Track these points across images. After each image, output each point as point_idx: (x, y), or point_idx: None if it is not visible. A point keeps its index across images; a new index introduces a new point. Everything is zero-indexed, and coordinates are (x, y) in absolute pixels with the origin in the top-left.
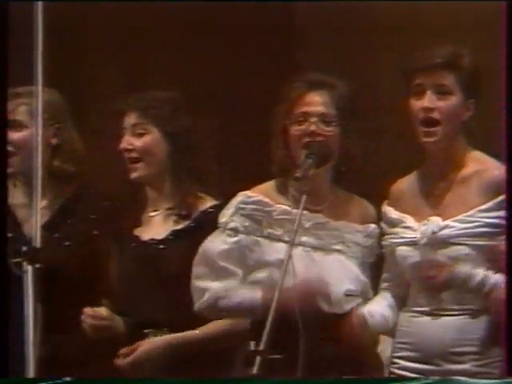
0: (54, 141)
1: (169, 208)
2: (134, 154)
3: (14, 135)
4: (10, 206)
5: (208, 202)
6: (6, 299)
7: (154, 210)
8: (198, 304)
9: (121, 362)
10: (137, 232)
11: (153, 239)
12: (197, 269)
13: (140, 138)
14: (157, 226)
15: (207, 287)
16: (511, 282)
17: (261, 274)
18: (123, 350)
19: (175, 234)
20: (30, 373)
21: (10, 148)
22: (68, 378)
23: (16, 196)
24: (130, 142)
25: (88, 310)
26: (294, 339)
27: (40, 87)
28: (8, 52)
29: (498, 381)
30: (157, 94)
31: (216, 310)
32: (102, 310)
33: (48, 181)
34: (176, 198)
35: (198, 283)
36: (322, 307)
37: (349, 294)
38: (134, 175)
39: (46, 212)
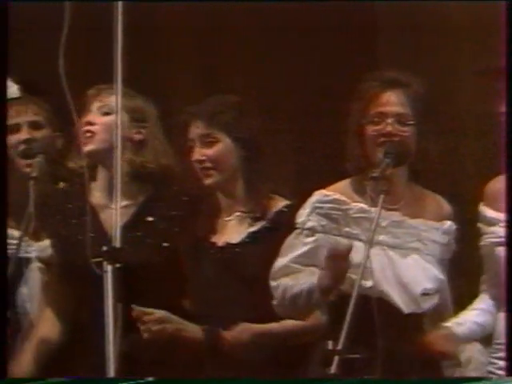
0: (137, 138)
1: (242, 211)
2: (206, 164)
3: (101, 119)
4: (91, 205)
5: (280, 202)
6: (6, 299)
7: (228, 215)
8: (274, 303)
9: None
10: (213, 238)
11: (228, 243)
12: (275, 269)
13: (211, 148)
14: (231, 231)
15: (281, 284)
16: (511, 282)
17: None
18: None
19: (251, 235)
20: (111, 372)
21: (91, 131)
22: (150, 378)
23: (99, 195)
24: (201, 152)
25: (141, 312)
26: (372, 339)
27: (119, 86)
28: (8, 52)
29: (498, 381)
30: (221, 99)
31: (288, 306)
32: (158, 313)
33: (130, 179)
34: (249, 201)
35: (275, 282)
36: (400, 307)
37: (426, 293)
38: (207, 182)
39: (128, 211)
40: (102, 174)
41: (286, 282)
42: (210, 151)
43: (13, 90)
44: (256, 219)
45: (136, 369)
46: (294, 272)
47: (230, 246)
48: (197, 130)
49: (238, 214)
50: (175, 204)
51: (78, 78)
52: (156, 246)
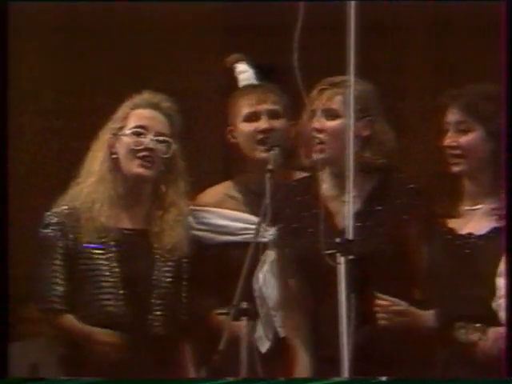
0: (366, 132)
1: (490, 205)
2: (457, 151)
3: (327, 124)
4: (321, 197)
5: None
6: (6, 299)
7: (474, 204)
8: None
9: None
10: (452, 224)
11: (471, 234)
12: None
13: (464, 136)
14: (476, 221)
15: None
16: (511, 283)
17: None
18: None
19: (495, 231)
20: (345, 365)
21: (321, 136)
22: (383, 378)
23: (327, 187)
24: (454, 138)
25: (384, 300)
26: None
27: (352, 78)
28: (8, 52)
29: (498, 381)
30: (480, 88)
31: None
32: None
33: (357, 171)
34: (496, 195)
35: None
36: None
37: None
38: (455, 169)
39: (356, 201)
40: (330, 167)
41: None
42: (462, 139)
43: (248, 75)
44: (501, 216)
45: (369, 363)
46: None
47: (473, 237)
48: (453, 115)
49: (482, 205)
50: (402, 192)
51: (309, 73)
52: (386, 235)
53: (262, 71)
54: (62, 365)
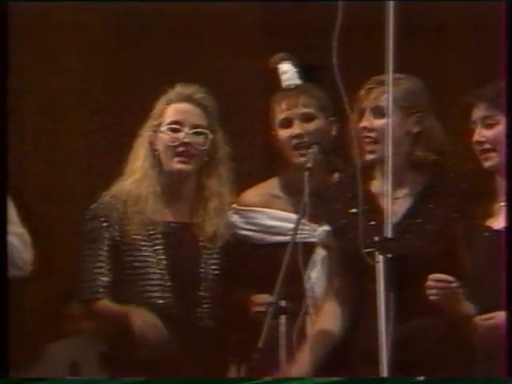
0: (416, 129)
1: None
2: (485, 146)
3: (376, 122)
4: (371, 194)
5: None
6: (6, 299)
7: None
8: None
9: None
10: (489, 222)
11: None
12: None
13: (491, 129)
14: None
15: None
16: (511, 283)
17: None
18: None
19: None
20: (384, 363)
21: (370, 134)
22: (422, 378)
23: (377, 185)
24: (482, 134)
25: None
26: None
27: (390, 76)
28: (8, 52)
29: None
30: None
31: None
32: None
33: (408, 169)
34: None
35: None
36: None
37: None
38: (487, 164)
39: (407, 199)
40: (381, 164)
41: None
42: (489, 133)
43: (291, 75)
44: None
45: (407, 363)
46: None
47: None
48: (479, 111)
49: None
50: (453, 190)
51: (350, 70)
52: (436, 233)
53: (304, 70)
54: (103, 363)
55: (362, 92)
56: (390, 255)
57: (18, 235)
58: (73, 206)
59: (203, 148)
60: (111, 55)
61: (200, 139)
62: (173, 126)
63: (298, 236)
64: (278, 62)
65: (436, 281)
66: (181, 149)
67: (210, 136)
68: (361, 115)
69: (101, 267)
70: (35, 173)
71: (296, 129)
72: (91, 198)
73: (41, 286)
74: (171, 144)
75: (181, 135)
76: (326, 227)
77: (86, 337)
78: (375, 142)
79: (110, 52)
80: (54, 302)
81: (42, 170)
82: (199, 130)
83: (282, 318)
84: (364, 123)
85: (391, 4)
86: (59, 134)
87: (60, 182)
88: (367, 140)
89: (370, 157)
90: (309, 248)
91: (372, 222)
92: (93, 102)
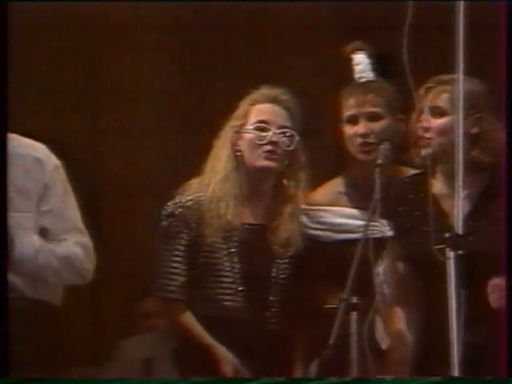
0: (474, 130)
1: None
2: None
3: (435, 122)
4: (433, 195)
5: None
6: (6, 299)
7: None
8: None
9: None
10: None
11: None
12: None
13: None
14: None
15: None
16: (511, 282)
17: None
18: None
19: None
20: (455, 362)
21: (428, 134)
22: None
23: (439, 186)
24: None
25: None
26: None
27: (461, 76)
28: (8, 52)
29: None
30: None
31: None
32: None
33: (466, 170)
34: None
35: None
36: None
37: None
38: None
39: (468, 200)
40: (440, 165)
41: None
42: None
43: (364, 67)
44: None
45: (480, 362)
46: None
47: None
48: None
49: None
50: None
51: (418, 71)
52: (498, 234)
53: (378, 63)
54: (175, 361)
55: (421, 91)
56: (460, 252)
57: (81, 245)
58: (149, 204)
59: (289, 149)
60: (190, 56)
61: (286, 140)
62: (260, 124)
63: (369, 232)
64: (353, 52)
65: (495, 285)
66: (268, 147)
67: (297, 137)
68: (419, 114)
69: (177, 267)
70: (111, 172)
71: (361, 128)
72: (165, 197)
73: (116, 285)
74: (258, 142)
75: (268, 134)
76: (393, 226)
77: (159, 333)
78: (431, 140)
79: (188, 53)
80: (127, 300)
81: (118, 168)
82: (286, 130)
83: (354, 315)
84: (422, 122)
85: (461, 4)
86: (136, 134)
87: (135, 181)
88: (425, 140)
89: (425, 153)
90: (378, 244)
91: (434, 223)
92: (170, 102)
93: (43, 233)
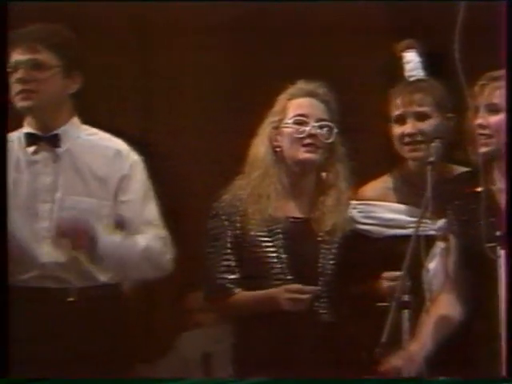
0: None
1: None
2: None
3: (490, 119)
4: (489, 191)
5: None
6: (6, 299)
7: None
8: None
9: None
10: None
11: None
12: None
13: None
14: None
15: None
16: (511, 281)
17: None
18: None
19: None
20: (502, 363)
21: (485, 131)
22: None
23: (496, 181)
24: None
25: None
26: None
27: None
28: (8, 51)
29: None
30: None
31: None
32: None
33: None
34: None
35: None
36: None
37: None
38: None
39: None
40: (498, 161)
41: None
42: None
43: (414, 65)
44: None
45: None
46: None
47: None
48: None
49: None
50: None
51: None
52: None
53: (428, 62)
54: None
55: (476, 89)
56: None
57: (160, 238)
58: (194, 205)
59: (328, 141)
60: (230, 54)
61: (325, 132)
62: (298, 118)
63: (420, 229)
64: (404, 50)
65: None
66: (308, 140)
67: (335, 130)
68: (475, 112)
69: (228, 265)
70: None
71: (409, 127)
72: (212, 197)
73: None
74: (298, 136)
75: (307, 127)
76: (447, 221)
77: (219, 328)
78: (489, 138)
79: (229, 51)
80: (181, 294)
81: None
82: (324, 123)
83: (405, 313)
84: (479, 120)
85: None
86: (180, 133)
87: (182, 182)
88: (482, 137)
89: (483, 150)
90: (428, 241)
91: (491, 219)
92: (212, 101)
93: (121, 222)
